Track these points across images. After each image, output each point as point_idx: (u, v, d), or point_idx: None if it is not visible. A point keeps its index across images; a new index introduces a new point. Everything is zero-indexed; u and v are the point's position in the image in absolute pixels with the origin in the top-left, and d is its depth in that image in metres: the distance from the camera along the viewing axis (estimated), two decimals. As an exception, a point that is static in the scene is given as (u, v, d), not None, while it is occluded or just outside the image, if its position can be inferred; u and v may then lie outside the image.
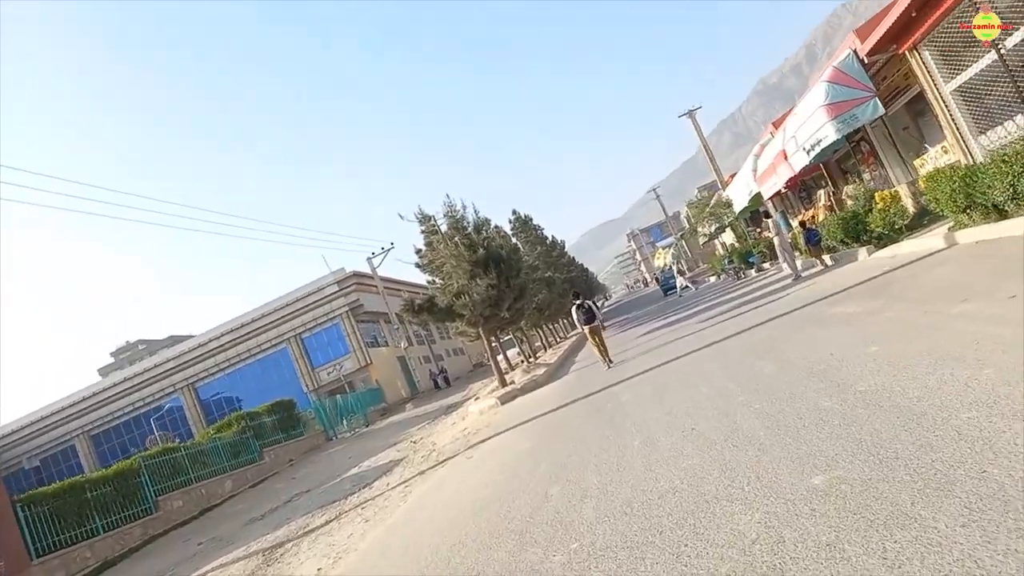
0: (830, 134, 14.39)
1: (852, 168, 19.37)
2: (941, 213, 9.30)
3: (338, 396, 34.75)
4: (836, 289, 9.19)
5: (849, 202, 16.07)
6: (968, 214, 8.30)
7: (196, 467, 19.86)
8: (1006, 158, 6.88)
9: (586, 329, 13.44)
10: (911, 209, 14.28)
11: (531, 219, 41.87)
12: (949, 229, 9.08)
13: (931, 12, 11.86)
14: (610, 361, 12.86)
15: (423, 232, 18.31)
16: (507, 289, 16.20)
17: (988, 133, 12.45)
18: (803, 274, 13.58)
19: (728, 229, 35.62)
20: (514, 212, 39.68)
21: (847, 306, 7.45)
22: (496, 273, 15.81)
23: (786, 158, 18.31)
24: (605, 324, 30.49)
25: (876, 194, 11.28)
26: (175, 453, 19.55)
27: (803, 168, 18.12)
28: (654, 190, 71.53)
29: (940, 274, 7.10)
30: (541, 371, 17.44)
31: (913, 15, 11.77)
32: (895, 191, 12.39)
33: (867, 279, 8.92)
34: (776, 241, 14.05)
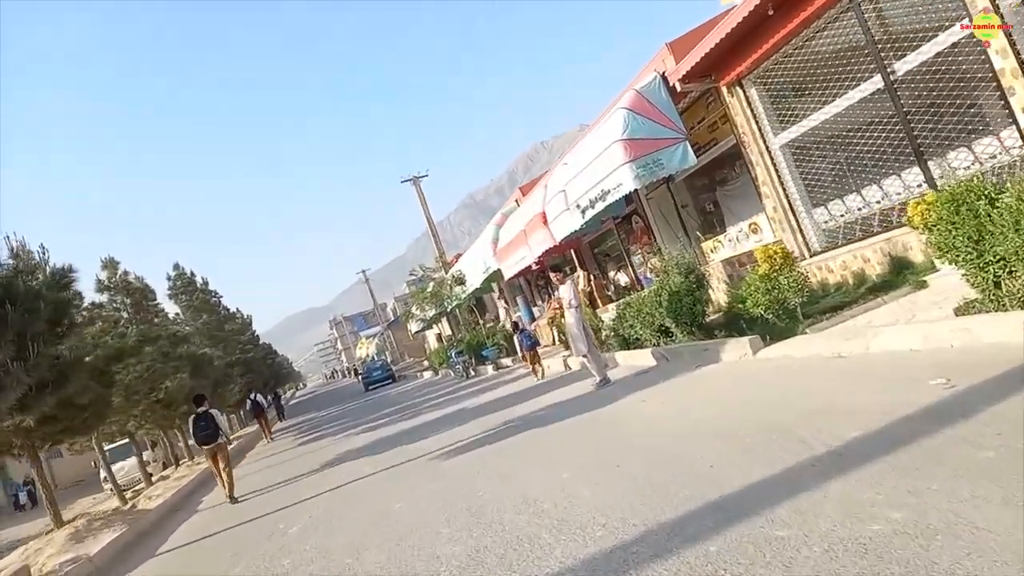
0: (626, 181, 10.20)
1: (612, 250, 16.05)
2: (957, 265, 4.78)
3: None
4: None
5: (651, 276, 12.19)
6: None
7: None
8: None
9: (205, 450, 9.71)
10: (722, 298, 10.59)
11: (205, 281, 32.38)
12: (957, 312, 4.74)
13: (773, 31, 8.56)
14: (233, 498, 9.39)
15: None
16: (17, 363, 7.95)
17: (829, 206, 9.40)
18: (612, 380, 8.30)
19: (445, 318, 31.22)
20: (176, 267, 29.93)
21: None
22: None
23: (546, 223, 14.12)
24: (272, 430, 22.67)
25: (757, 250, 6.83)
26: None
27: (566, 238, 14.09)
28: (363, 272, 66.09)
29: None
30: (111, 536, 8.93)
31: (768, 17, 8.25)
32: (781, 244, 8.32)
33: None
34: (570, 319, 8.43)
